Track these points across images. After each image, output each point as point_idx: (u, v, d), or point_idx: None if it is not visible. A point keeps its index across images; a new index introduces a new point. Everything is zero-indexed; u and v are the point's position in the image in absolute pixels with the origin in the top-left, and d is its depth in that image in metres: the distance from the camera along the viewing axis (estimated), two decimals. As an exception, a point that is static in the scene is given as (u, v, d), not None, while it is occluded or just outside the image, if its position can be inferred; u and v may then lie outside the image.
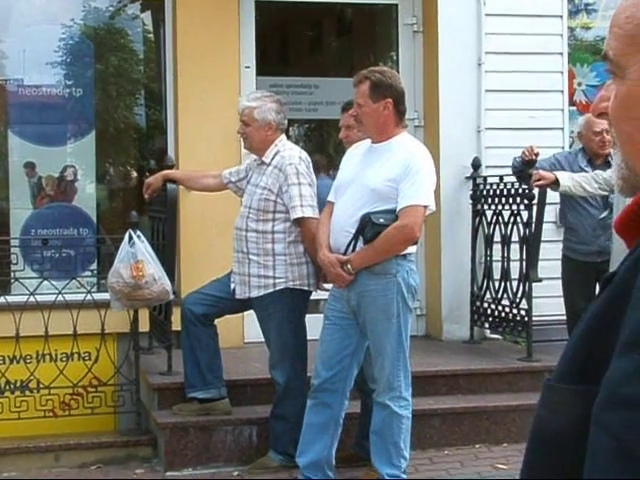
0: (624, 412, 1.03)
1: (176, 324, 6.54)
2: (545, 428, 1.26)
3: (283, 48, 10.69)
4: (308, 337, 6.02)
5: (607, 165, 7.05)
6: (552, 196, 7.39)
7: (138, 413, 6.77)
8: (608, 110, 1.30)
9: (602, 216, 7.14)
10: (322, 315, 5.74)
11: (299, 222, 5.88)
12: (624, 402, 1.04)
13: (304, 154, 6.08)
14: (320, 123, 9.77)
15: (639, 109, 1.24)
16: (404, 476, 5.55)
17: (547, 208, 7.43)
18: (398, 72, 7.14)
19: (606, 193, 6.93)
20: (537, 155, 7.05)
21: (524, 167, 7.06)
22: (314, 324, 6.01)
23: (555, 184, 6.93)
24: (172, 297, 6.57)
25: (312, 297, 6.19)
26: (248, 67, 8.01)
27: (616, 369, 1.06)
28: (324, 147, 10.13)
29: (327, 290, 5.80)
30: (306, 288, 5.99)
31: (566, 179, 6.91)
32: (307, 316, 6.11)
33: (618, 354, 1.07)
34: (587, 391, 1.12)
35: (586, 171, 7.09)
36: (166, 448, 6.23)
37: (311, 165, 6.07)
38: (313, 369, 5.64)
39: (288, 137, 6.60)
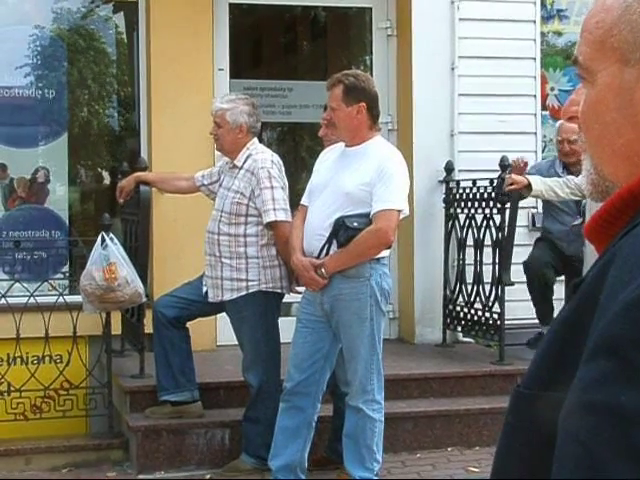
0: (590, 418, 1.04)
1: (149, 327, 6.51)
2: (513, 435, 1.26)
3: (257, 51, 10.68)
4: (281, 340, 6.01)
5: None
6: (525, 200, 7.42)
7: (110, 416, 6.74)
8: (578, 114, 1.31)
9: (575, 223, 7.22)
10: (295, 318, 5.74)
11: (272, 226, 5.88)
12: (590, 408, 1.04)
13: (276, 157, 6.07)
14: (294, 126, 9.76)
15: (608, 114, 1.25)
16: (376, 479, 5.56)
17: (520, 212, 7.46)
18: (372, 76, 7.15)
19: (578, 198, 6.98)
20: (527, 164, 7.15)
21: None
22: (287, 327, 6.01)
23: (527, 188, 6.97)
24: (145, 300, 6.55)
25: (285, 300, 6.19)
26: (222, 69, 7.99)
27: (583, 375, 1.07)
28: (297, 150, 10.12)
29: (300, 293, 5.79)
30: (279, 291, 5.99)
31: (538, 183, 6.96)
32: (280, 319, 6.11)
33: (585, 361, 1.07)
34: (555, 398, 1.12)
35: (561, 177, 7.14)
36: (138, 451, 6.21)
37: (283, 168, 6.07)
38: (286, 372, 5.64)
39: (261, 140, 6.59)
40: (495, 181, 7.19)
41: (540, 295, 7.27)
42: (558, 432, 1.08)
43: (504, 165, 7.10)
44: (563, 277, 7.46)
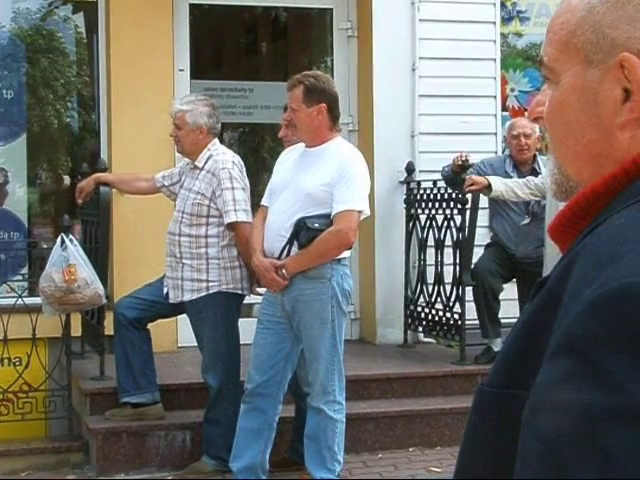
0: (552, 415, 1.04)
1: (109, 329, 6.48)
2: (477, 433, 1.27)
3: (218, 51, 10.65)
4: (241, 341, 6.00)
5: (533, 172, 7.19)
6: (485, 201, 7.46)
7: (70, 419, 6.70)
8: (543, 114, 1.31)
9: (523, 223, 7.27)
10: (255, 319, 5.73)
11: (232, 226, 5.87)
12: (552, 406, 1.04)
13: (237, 158, 6.07)
14: (254, 127, 9.74)
15: (572, 114, 1.25)
16: (338, 480, 5.56)
17: (480, 212, 7.49)
18: (333, 76, 7.16)
19: (538, 199, 7.02)
20: (465, 163, 7.09)
21: (453, 175, 7.12)
22: (247, 328, 6.00)
23: (487, 189, 7.01)
24: (105, 301, 6.51)
25: (245, 301, 6.18)
26: (182, 70, 7.96)
27: (545, 373, 1.07)
28: (258, 151, 10.11)
29: (261, 294, 5.78)
30: (239, 292, 5.98)
31: (499, 184, 6.99)
32: (240, 320, 6.09)
33: (547, 359, 1.07)
34: (519, 396, 1.12)
35: (511, 177, 7.21)
36: (98, 454, 6.17)
37: (244, 169, 6.06)
38: (246, 373, 5.62)
39: (222, 141, 6.57)
40: (445, 169, 7.21)
41: (485, 304, 7.23)
42: (521, 430, 1.09)
43: (464, 165, 7.11)
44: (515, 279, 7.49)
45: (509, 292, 7.39)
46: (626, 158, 1.21)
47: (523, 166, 7.33)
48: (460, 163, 7.05)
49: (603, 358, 1.02)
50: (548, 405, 1.05)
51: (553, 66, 1.28)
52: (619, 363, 1.01)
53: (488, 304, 7.21)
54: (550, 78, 1.29)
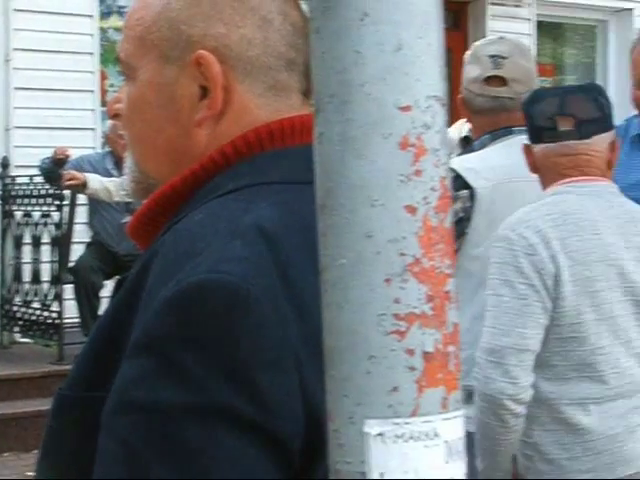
0: (130, 415, 1.03)
1: None
2: (58, 440, 1.22)
3: None
4: None
5: None
6: (84, 198, 7.38)
7: None
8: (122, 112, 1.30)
9: (124, 221, 7.27)
10: None
11: None
12: (131, 406, 1.03)
13: None
14: None
15: (149, 111, 1.25)
16: None
17: (79, 209, 7.41)
18: None
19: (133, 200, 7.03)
20: (67, 156, 7.01)
21: (53, 168, 7.00)
22: None
23: (84, 186, 6.96)
24: None
25: None
26: None
27: (124, 373, 1.06)
28: None
29: None
30: None
31: (95, 182, 6.98)
32: None
33: (126, 358, 1.06)
34: (100, 398, 1.09)
35: (112, 174, 7.20)
36: None
37: None
38: None
39: None
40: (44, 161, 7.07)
41: (86, 301, 7.19)
42: (100, 432, 1.06)
43: (60, 160, 7.00)
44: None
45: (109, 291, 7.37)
46: (204, 155, 1.22)
47: (124, 162, 7.30)
48: (59, 158, 6.94)
49: (179, 356, 1.02)
50: (125, 405, 1.04)
51: (129, 62, 1.27)
52: (194, 361, 1.01)
53: (89, 301, 7.16)
54: (128, 74, 1.28)
